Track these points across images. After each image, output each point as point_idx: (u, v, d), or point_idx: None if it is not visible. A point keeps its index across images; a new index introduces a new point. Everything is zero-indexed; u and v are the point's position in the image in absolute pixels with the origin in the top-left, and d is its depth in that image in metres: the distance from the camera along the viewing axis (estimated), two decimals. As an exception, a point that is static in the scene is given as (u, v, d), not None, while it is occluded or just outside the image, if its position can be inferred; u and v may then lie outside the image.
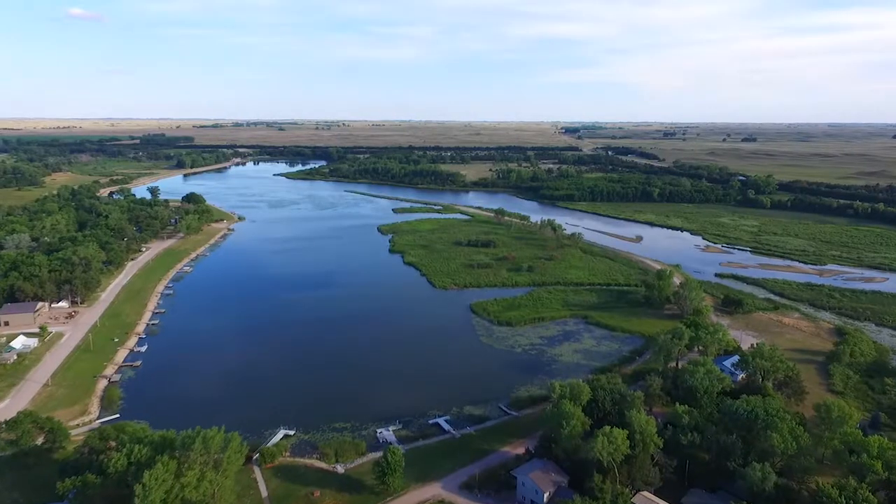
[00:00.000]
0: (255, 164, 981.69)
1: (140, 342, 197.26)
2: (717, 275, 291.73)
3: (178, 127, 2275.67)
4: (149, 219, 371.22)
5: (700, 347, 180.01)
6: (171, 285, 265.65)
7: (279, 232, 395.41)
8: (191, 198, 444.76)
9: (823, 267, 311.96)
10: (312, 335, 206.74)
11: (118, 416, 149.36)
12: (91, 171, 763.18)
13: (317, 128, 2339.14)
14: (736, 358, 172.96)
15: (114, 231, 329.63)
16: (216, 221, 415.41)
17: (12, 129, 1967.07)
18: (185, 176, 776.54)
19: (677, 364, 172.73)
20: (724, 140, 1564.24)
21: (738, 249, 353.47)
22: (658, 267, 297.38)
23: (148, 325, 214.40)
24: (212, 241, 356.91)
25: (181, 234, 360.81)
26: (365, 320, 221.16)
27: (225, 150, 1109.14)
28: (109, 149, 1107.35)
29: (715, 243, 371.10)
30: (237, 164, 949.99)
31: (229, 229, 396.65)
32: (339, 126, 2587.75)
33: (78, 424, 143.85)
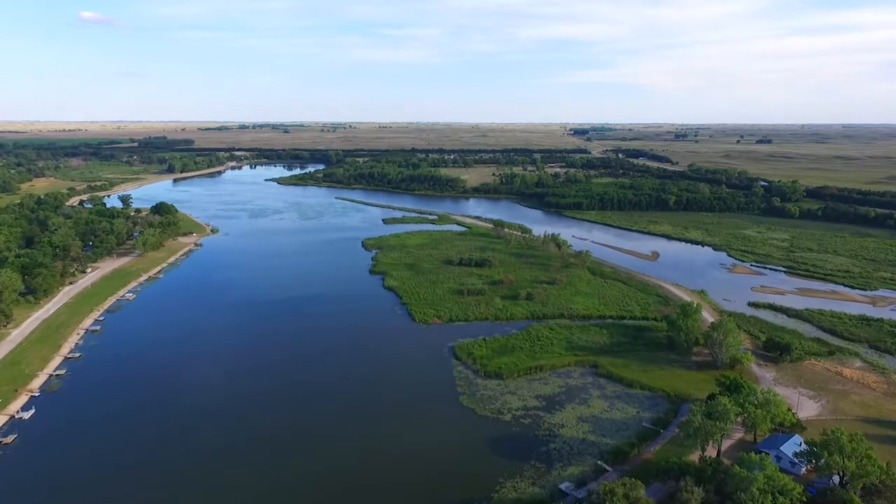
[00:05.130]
0: (251, 167, 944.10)
1: (27, 405, 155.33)
2: (750, 304, 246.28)
3: (182, 129, 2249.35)
4: (104, 233, 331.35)
5: (746, 419, 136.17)
6: (102, 318, 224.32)
7: (251, 247, 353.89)
8: (160, 208, 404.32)
9: (874, 293, 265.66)
10: (244, 400, 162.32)
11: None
12: (76, 177, 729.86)
13: (322, 130, 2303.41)
14: (797, 440, 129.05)
15: (57, 249, 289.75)
16: (184, 235, 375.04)
17: (18, 131, 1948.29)
18: (174, 181, 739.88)
19: (719, 452, 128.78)
20: (738, 141, 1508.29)
21: (771, 269, 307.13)
22: (680, 293, 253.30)
23: (50, 376, 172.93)
24: (171, 259, 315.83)
25: (139, 252, 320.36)
26: (317, 377, 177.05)
27: (221, 153, 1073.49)
28: (104, 152, 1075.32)
29: (742, 261, 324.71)
30: (232, 169, 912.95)
31: (196, 244, 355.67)
32: (344, 128, 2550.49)
33: None
